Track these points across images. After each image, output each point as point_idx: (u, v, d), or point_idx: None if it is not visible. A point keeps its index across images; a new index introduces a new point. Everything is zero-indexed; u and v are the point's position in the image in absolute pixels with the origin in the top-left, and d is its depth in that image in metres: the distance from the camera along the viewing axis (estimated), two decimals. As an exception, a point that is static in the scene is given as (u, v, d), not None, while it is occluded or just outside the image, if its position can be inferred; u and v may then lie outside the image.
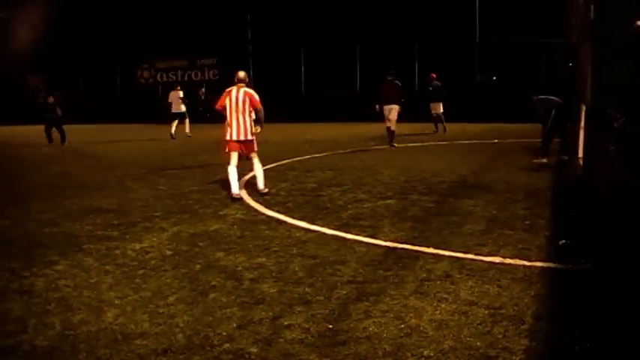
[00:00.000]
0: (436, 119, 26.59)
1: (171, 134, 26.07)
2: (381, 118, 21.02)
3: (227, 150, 12.01)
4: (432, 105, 26.49)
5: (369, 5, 33.97)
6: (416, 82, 33.53)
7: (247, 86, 11.98)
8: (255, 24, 37.88)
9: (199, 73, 41.12)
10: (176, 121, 26.48)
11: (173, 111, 27.11)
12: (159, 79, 41.94)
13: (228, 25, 38.50)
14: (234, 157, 11.91)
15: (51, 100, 25.83)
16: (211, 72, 40.97)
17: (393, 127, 20.60)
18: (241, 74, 12.01)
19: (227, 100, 11.78)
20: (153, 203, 11.58)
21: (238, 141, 11.83)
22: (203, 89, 38.98)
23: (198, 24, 38.80)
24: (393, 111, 20.54)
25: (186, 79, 40.22)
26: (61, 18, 40.86)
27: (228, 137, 11.88)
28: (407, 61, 32.71)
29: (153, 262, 7.70)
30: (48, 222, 10.22)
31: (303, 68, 36.24)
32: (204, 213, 10.57)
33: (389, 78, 20.76)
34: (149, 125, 29.86)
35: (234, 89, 11.84)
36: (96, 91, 40.10)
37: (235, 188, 11.73)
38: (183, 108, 27.33)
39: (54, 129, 25.35)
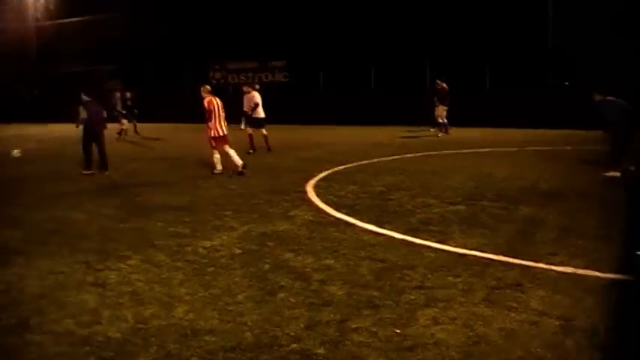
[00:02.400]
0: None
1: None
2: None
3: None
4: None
5: (441, 9, 33.70)
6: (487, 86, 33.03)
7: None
8: (324, 27, 37.93)
9: (269, 75, 41.52)
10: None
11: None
12: (230, 80, 42.49)
13: (299, 29, 38.71)
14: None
15: (127, 96, 27.15)
16: (281, 74, 41.31)
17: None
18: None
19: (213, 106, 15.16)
20: (223, 202, 11.75)
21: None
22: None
23: (269, 27, 39.14)
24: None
25: (256, 80, 40.62)
26: (138, 21, 41.81)
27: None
28: (477, 66, 32.30)
29: (223, 260, 7.82)
30: (122, 218, 10.50)
31: (372, 71, 36.15)
32: (273, 213, 10.66)
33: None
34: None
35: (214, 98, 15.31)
36: (168, 91, 40.76)
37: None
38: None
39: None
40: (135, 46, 43.01)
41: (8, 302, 6.54)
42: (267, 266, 7.53)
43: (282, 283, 6.84)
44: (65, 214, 11.04)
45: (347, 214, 10.43)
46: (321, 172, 15.14)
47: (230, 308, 6.13)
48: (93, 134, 15.84)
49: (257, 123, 20.24)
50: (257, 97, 20.46)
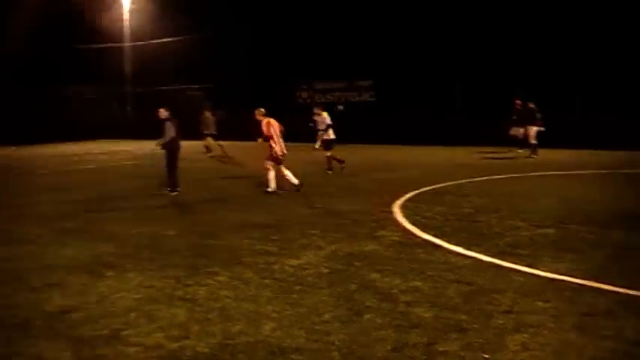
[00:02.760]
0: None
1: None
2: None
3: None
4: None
5: (534, 30, 33.14)
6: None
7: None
8: (412, 47, 37.81)
9: (356, 95, 41.61)
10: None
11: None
12: (316, 99, 42.79)
13: (386, 49, 38.71)
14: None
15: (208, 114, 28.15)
16: (368, 94, 41.33)
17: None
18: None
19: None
20: (310, 221, 11.79)
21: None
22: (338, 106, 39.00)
23: (356, 47, 39.28)
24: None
25: (343, 100, 40.75)
26: (228, 41, 42.67)
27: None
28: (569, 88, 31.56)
29: (310, 278, 7.83)
30: (210, 234, 10.67)
31: (457, 91, 35.73)
32: (359, 233, 10.63)
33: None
34: (303, 144, 30.37)
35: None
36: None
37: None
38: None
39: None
40: (225, 66, 43.82)
41: (101, 314, 6.72)
42: (354, 286, 7.50)
43: (369, 304, 6.80)
44: (155, 229, 11.29)
45: (434, 235, 10.31)
46: (407, 192, 15.02)
47: (317, 327, 6.13)
48: (176, 153, 15.81)
49: (327, 144, 20.20)
50: (327, 119, 20.52)
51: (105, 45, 48.60)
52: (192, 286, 7.61)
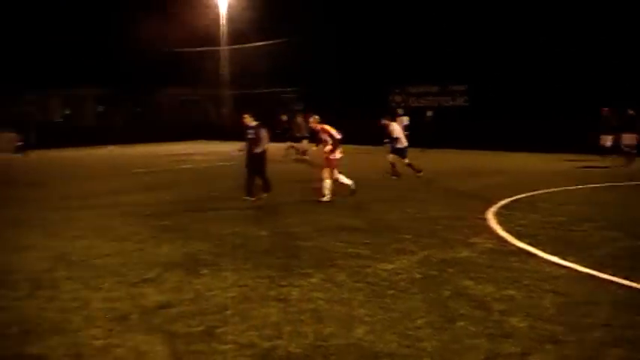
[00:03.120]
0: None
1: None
2: None
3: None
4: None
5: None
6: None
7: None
8: (507, 52, 37.14)
9: (449, 100, 41.20)
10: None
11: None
12: (410, 103, 42.58)
13: (481, 54, 38.16)
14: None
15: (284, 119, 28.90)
16: (462, 99, 40.86)
17: None
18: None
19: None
20: (402, 226, 11.71)
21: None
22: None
23: (451, 51, 38.91)
24: None
25: (436, 105, 40.41)
26: (321, 44, 42.99)
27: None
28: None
29: (402, 283, 7.79)
30: (303, 235, 10.77)
31: (553, 97, 34.87)
32: (453, 239, 10.48)
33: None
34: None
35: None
36: (350, 114, 41.44)
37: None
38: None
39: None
40: (318, 69, 44.14)
41: (197, 310, 6.88)
42: (447, 293, 7.42)
43: (462, 311, 6.70)
44: (249, 230, 11.48)
45: (529, 243, 10.06)
46: (501, 199, 14.73)
47: (409, 333, 6.08)
48: (264, 157, 15.36)
49: (399, 152, 19.65)
50: (397, 129, 19.96)
51: (202, 49, 49.75)
52: (286, 286, 7.69)
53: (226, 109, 50.01)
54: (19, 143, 37.76)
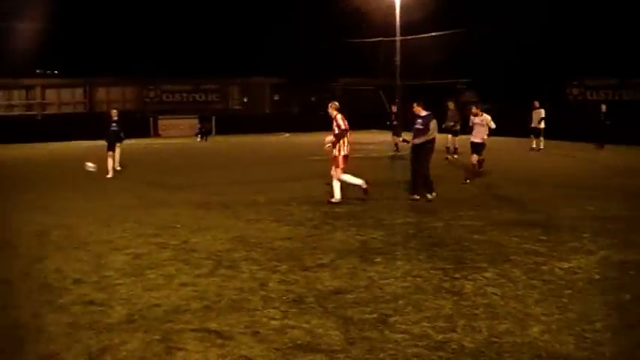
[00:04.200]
0: None
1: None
2: None
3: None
4: None
5: None
6: None
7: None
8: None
9: (631, 93, 39.06)
10: None
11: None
12: (588, 96, 40.85)
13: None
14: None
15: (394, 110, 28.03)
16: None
17: None
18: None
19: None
20: (579, 223, 11.18)
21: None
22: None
23: (629, 43, 36.86)
24: None
25: (616, 98, 38.45)
26: (494, 34, 41.96)
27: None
28: None
29: (580, 283, 7.50)
30: (477, 229, 10.62)
31: None
32: (634, 241, 9.85)
33: None
34: (576, 144, 29.10)
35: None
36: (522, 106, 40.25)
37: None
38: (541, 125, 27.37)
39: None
40: (489, 59, 43.17)
41: (370, 298, 6.99)
42: (627, 296, 7.06)
43: (648, 317, 6.37)
44: (423, 220, 11.48)
45: None
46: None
47: (587, 335, 5.86)
48: (429, 149, 14.06)
49: (475, 148, 17.52)
50: (481, 120, 18.06)
51: (376, 39, 50.06)
52: (459, 279, 7.64)
53: (398, 99, 50.03)
54: (201, 129, 39.87)
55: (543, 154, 25.32)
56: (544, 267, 8.20)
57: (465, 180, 16.67)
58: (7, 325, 6.36)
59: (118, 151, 19.83)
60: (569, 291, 7.20)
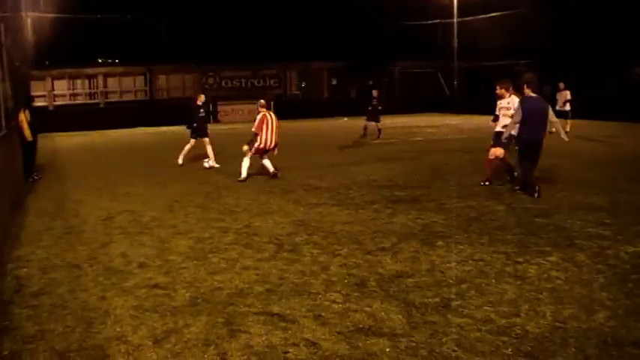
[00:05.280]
0: None
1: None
2: None
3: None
4: None
5: None
6: None
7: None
8: None
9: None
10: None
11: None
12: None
13: None
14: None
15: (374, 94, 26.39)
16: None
17: None
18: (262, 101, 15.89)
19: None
20: (647, 207, 10.92)
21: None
22: None
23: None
24: None
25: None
26: (554, 15, 41.07)
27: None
28: None
29: (647, 268, 7.34)
30: (541, 212, 10.46)
31: None
32: None
33: None
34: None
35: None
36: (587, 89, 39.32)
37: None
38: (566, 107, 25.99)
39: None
40: (551, 40, 42.26)
41: (432, 282, 6.97)
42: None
43: None
44: (484, 203, 11.37)
45: None
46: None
47: (659, 322, 5.75)
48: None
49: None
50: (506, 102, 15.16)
51: (433, 21, 49.61)
52: (523, 263, 7.55)
53: (457, 82, 49.45)
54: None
55: (608, 137, 24.70)
56: (609, 251, 8.04)
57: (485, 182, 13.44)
58: (75, 308, 6.52)
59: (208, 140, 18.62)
60: (636, 275, 7.05)
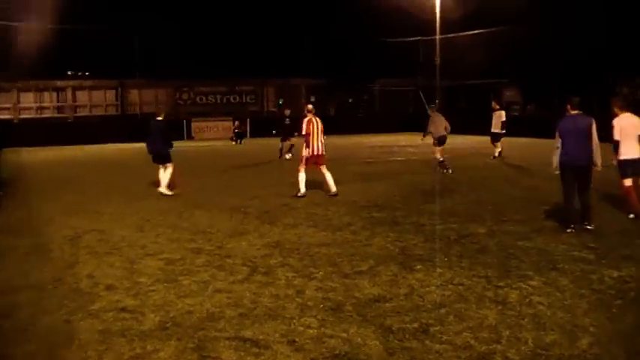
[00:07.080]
0: None
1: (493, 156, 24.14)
2: None
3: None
4: None
5: None
6: None
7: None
8: None
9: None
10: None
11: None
12: (638, 96, 40.07)
13: None
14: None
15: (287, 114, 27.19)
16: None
17: None
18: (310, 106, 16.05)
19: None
20: (632, 229, 10.65)
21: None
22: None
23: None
24: None
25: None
26: (536, 34, 41.31)
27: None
28: None
29: (632, 293, 7.15)
30: (522, 235, 10.25)
31: None
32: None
33: None
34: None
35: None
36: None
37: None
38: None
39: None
40: (534, 59, 42.49)
41: (411, 306, 6.77)
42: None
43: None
44: (464, 226, 11.16)
45: None
46: None
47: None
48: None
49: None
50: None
51: (414, 38, 49.70)
52: (504, 288, 7.35)
53: (438, 100, 49.59)
54: (236, 131, 39.88)
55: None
56: (593, 275, 7.83)
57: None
58: (38, 332, 6.25)
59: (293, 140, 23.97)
60: (620, 301, 6.87)
